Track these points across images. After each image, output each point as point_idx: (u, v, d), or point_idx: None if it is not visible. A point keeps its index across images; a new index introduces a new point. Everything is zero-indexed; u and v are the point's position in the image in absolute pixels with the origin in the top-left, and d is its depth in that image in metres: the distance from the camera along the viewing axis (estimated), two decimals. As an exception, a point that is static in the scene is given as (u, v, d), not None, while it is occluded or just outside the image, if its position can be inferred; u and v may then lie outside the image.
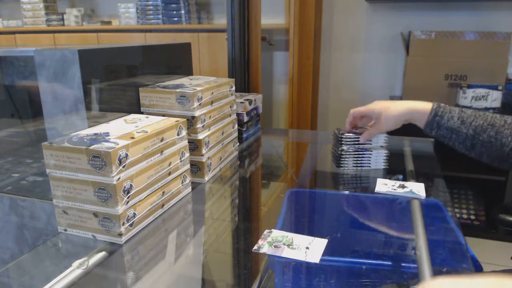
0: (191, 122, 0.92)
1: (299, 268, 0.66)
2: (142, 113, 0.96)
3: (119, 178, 0.66)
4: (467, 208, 2.27)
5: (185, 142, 0.87)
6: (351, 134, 1.07)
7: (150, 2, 2.99)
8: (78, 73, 0.77)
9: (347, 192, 0.98)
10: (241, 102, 1.26)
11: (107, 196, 0.66)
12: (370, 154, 1.07)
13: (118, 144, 0.67)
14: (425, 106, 0.92)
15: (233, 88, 1.13)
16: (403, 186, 0.93)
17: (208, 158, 0.98)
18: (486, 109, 2.02)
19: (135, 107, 0.96)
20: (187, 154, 0.88)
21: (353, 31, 2.50)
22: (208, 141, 0.97)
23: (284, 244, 0.70)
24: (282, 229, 0.75)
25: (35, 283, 0.64)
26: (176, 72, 1.15)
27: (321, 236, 0.72)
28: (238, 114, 1.23)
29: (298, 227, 0.87)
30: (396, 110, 0.95)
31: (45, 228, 0.87)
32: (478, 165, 0.93)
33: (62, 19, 3.32)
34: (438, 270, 0.63)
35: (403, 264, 0.70)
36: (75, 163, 0.66)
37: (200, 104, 0.93)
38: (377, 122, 1.01)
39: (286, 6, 2.52)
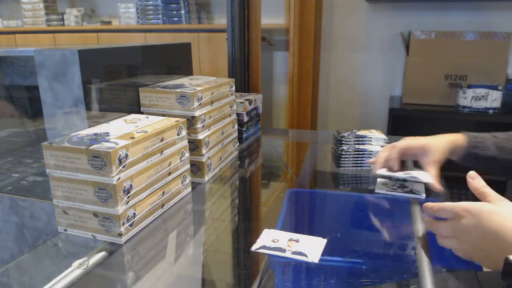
0: (191, 122, 0.92)
1: (299, 268, 0.66)
2: (142, 113, 0.96)
3: (119, 178, 0.66)
4: (467, 208, 2.26)
5: (185, 142, 0.87)
6: (350, 137, 1.07)
7: (150, 2, 2.99)
8: (78, 73, 0.77)
9: (347, 192, 0.98)
10: (241, 102, 1.26)
11: (107, 196, 0.66)
12: (370, 154, 1.07)
13: (118, 144, 0.67)
14: (459, 139, 0.87)
15: (233, 88, 1.13)
16: (403, 186, 0.93)
17: (208, 158, 0.98)
18: (486, 109, 2.02)
19: (135, 107, 0.96)
20: (187, 154, 0.88)
21: (353, 31, 2.50)
22: (208, 141, 0.97)
23: (284, 244, 0.70)
24: (282, 229, 0.75)
25: (35, 283, 0.64)
26: (176, 72, 1.15)
27: (321, 236, 0.72)
28: (238, 114, 1.23)
29: (298, 227, 0.87)
30: (440, 143, 0.87)
31: (45, 228, 0.87)
32: (478, 165, 0.93)
33: (62, 19, 3.32)
34: (438, 270, 0.63)
35: (403, 264, 0.70)
36: (75, 163, 0.66)
37: (200, 104, 0.93)
38: (423, 156, 0.88)
39: (286, 6, 2.52)
